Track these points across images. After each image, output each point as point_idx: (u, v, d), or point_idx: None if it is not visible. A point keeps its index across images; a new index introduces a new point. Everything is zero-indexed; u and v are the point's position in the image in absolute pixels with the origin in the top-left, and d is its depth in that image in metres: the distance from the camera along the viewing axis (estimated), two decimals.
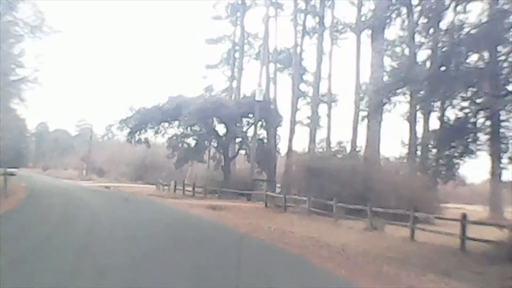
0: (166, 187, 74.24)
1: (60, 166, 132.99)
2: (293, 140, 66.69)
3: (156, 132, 70.83)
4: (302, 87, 72.22)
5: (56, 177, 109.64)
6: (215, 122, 66.50)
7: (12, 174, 52.56)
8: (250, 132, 68.48)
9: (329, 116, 61.97)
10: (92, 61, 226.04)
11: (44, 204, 39.46)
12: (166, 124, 69.66)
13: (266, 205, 48.86)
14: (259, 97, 61.82)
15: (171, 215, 37.86)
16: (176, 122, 68.39)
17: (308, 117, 69.41)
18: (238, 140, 68.49)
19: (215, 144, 69.16)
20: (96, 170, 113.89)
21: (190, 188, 66.14)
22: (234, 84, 77.14)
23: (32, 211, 32.65)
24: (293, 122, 66.73)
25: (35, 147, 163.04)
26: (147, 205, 46.60)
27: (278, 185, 63.52)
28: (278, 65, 73.76)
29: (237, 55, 78.85)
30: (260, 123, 65.30)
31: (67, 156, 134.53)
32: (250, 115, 66.00)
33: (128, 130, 70.31)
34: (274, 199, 49.64)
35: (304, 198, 41.31)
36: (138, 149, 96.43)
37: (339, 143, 47.10)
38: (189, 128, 66.87)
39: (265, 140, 68.13)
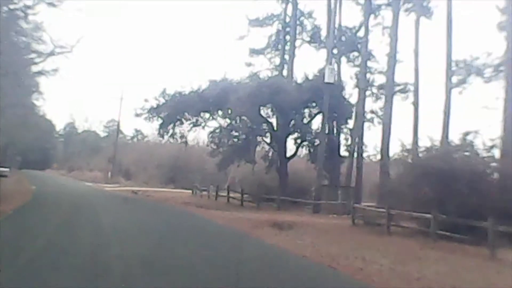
0: (204, 193, 61.80)
1: (86, 167, 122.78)
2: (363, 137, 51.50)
3: (195, 125, 55.00)
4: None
5: (79, 179, 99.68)
6: (269, 112, 50.20)
7: (2, 176, 38.67)
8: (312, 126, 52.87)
9: (415, 104, 46.06)
10: (121, 55, 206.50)
11: (33, 222, 26.08)
12: (207, 115, 53.41)
13: (353, 222, 33.68)
14: (329, 79, 46.26)
15: (236, 245, 22.18)
16: (220, 112, 52.15)
17: (372, 111, 55.44)
18: (295, 135, 52.60)
19: (268, 140, 52.82)
20: (122, 172, 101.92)
21: (235, 195, 53.04)
22: (284, 72, 60.48)
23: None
24: (362, 116, 50.91)
25: (63, 148, 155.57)
26: (189, 222, 32.77)
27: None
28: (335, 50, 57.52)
29: (287, 38, 62.40)
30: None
31: (94, 157, 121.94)
32: (313, 104, 49.65)
33: (160, 121, 54.19)
34: (358, 212, 35.11)
35: (428, 216, 26.09)
36: (169, 148, 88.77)
37: (465, 134, 30.61)
38: (237, 119, 50.52)
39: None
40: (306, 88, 49.19)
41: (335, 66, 53.63)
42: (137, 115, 55.20)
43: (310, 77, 51.31)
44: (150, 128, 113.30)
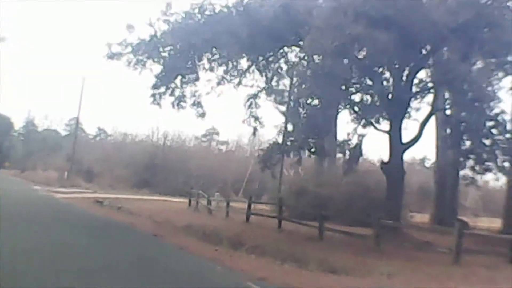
0: (213, 205, 36.23)
1: (42, 167, 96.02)
2: None
3: (219, 81, 26.36)
4: None
5: (30, 180, 71.57)
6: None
7: None
8: None
9: None
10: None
11: None
12: (244, 62, 25.17)
13: None
14: None
15: None
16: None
17: None
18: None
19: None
20: (83, 173, 73.60)
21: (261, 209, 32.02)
22: None
23: None
24: None
25: (22, 147, 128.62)
26: None
27: None
28: None
29: None
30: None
31: (53, 157, 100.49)
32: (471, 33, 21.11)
33: (159, 68, 25.85)
34: None
35: None
36: (141, 145, 73.72)
37: None
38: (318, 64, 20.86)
39: None
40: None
41: None
42: (112, 56, 25.92)
43: None
44: (116, 126, 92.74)
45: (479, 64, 20.60)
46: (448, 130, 24.99)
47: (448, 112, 23.96)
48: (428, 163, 68.01)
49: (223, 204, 34.36)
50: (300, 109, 21.97)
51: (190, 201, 38.95)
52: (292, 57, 26.10)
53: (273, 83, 28.58)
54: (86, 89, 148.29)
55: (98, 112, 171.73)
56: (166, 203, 41.44)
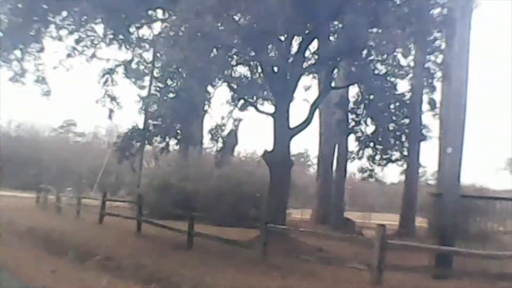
0: (63, 202, 30.66)
1: None
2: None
3: (69, 53, 21.03)
4: None
5: None
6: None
7: None
8: None
9: None
10: None
11: None
12: (101, 29, 20.48)
13: None
14: None
15: None
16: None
17: None
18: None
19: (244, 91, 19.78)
20: None
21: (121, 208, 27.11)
22: None
23: None
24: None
25: None
26: None
27: None
28: None
29: None
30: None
31: None
32: None
33: None
34: None
35: None
36: None
37: None
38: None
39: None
40: None
41: None
42: None
43: None
44: None
45: (391, 33, 16.32)
46: (339, 114, 21.13)
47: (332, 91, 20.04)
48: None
49: (75, 201, 29.04)
50: (169, 81, 17.02)
51: (38, 198, 33.53)
52: (157, 26, 21.28)
53: (134, 60, 23.62)
54: None
55: None
56: (12, 199, 34.31)
